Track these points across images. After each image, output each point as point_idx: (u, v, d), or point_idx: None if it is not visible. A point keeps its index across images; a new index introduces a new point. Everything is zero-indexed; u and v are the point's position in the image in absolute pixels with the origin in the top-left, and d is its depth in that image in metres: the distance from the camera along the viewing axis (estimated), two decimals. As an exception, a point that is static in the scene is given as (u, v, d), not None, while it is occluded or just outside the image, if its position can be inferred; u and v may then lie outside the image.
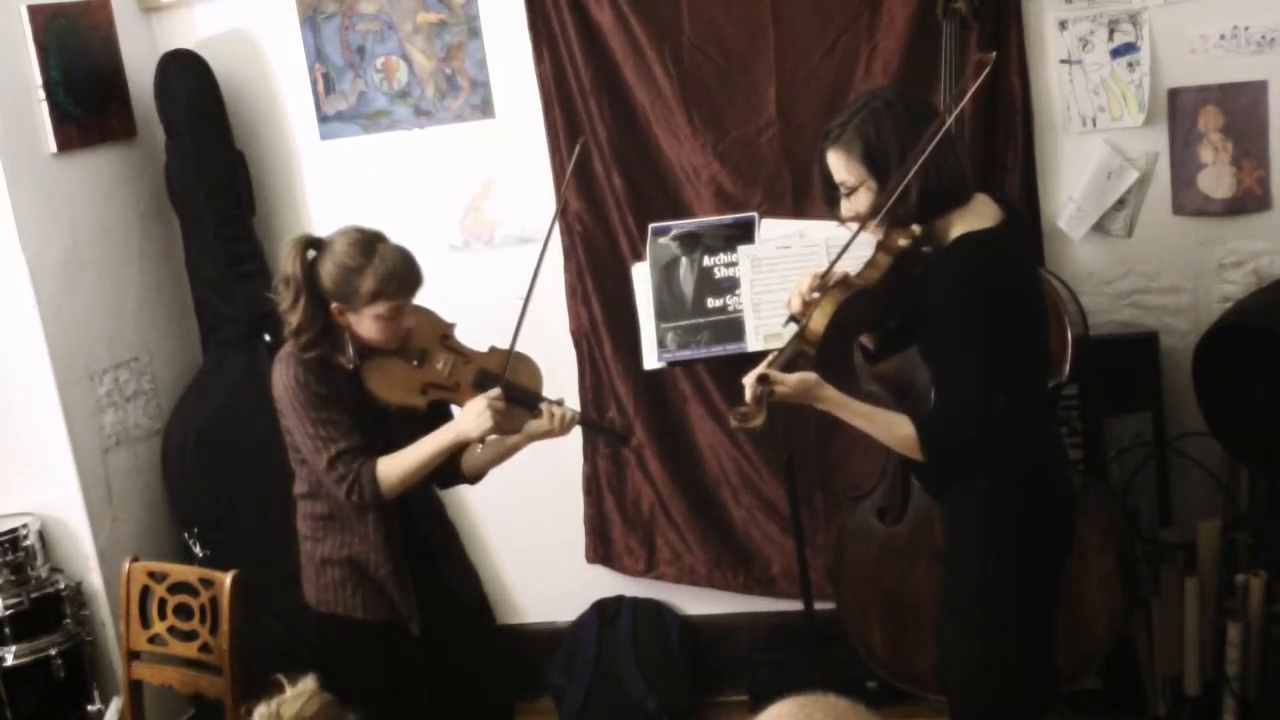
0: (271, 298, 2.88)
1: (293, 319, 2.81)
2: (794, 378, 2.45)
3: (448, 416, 3.03)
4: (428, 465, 2.84)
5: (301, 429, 2.83)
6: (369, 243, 2.80)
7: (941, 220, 2.53)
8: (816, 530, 3.89)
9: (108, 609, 3.84)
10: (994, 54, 2.61)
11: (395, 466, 2.82)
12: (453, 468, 3.03)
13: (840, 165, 2.54)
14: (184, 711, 4.09)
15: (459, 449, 2.87)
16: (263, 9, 4.11)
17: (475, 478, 3.06)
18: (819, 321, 2.47)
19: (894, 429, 2.52)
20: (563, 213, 3.95)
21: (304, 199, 4.23)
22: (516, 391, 2.92)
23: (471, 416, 2.79)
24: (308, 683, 1.95)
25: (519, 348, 3.02)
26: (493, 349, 3.00)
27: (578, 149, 3.11)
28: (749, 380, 2.43)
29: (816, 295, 2.53)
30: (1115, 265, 3.69)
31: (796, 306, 2.57)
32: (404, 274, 2.79)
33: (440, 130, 4.07)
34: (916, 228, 2.51)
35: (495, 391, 2.81)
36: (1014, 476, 2.56)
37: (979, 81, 2.52)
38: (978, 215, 2.53)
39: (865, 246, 2.64)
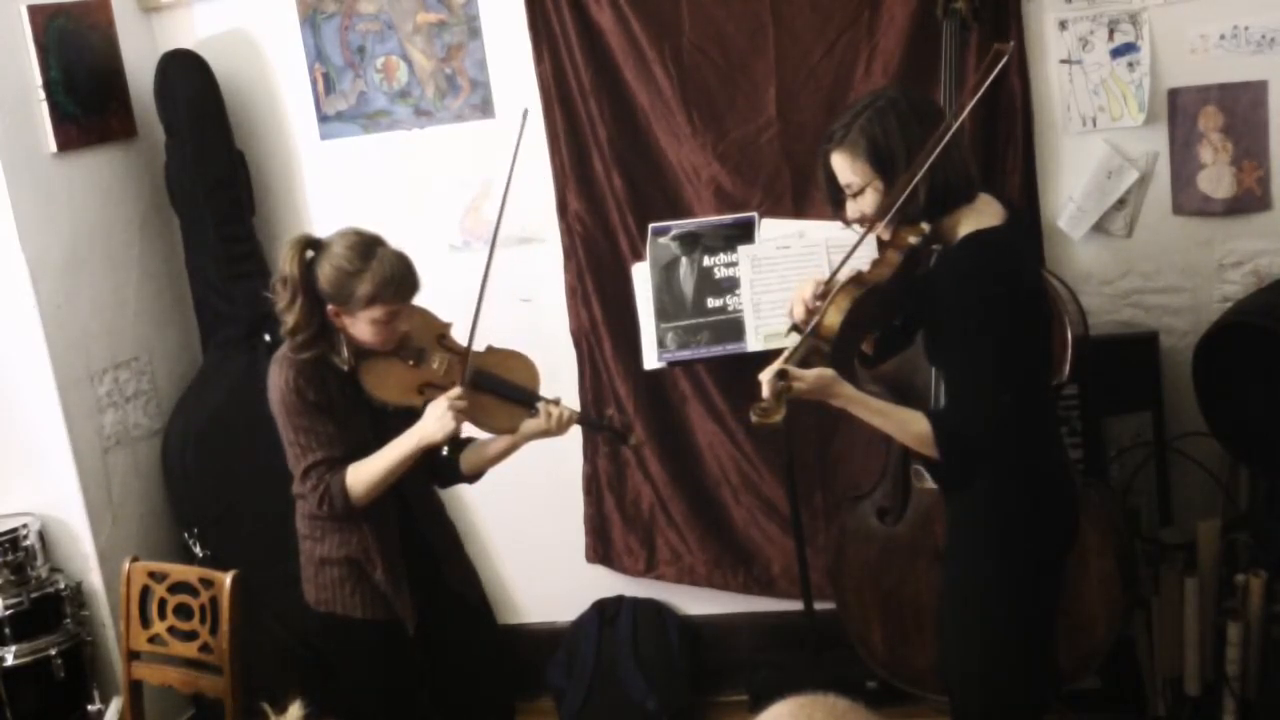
0: (269, 297, 2.88)
1: (289, 319, 2.81)
2: (812, 373, 2.44)
3: None
4: (395, 471, 2.82)
5: (285, 435, 2.84)
6: (368, 246, 2.79)
7: (949, 218, 2.53)
8: (816, 530, 3.89)
9: (108, 609, 3.84)
10: (1011, 43, 2.61)
11: (362, 474, 2.81)
12: (452, 466, 3.03)
13: (845, 167, 2.54)
14: (184, 711, 4.09)
15: (427, 452, 2.84)
16: (263, 9, 4.11)
17: (474, 476, 3.06)
18: (833, 318, 2.47)
19: (909, 425, 2.52)
20: (562, 213, 3.95)
21: (304, 199, 4.23)
22: (506, 388, 2.91)
23: (433, 419, 2.77)
24: (294, 712, 1.94)
25: (520, 347, 3.02)
26: (489, 348, 2.99)
27: (523, 120, 2.97)
28: (766, 376, 2.42)
29: (819, 303, 2.53)
30: (1115, 265, 3.69)
31: (799, 314, 2.56)
32: (401, 279, 2.78)
33: (440, 130, 4.07)
34: (925, 225, 2.51)
35: (456, 391, 2.79)
36: (1016, 475, 2.56)
37: (996, 72, 2.51)
38: (984, 214, 2.54)
39: (865, 247, 2.64)
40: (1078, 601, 3.27)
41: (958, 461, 2.53)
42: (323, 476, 2.81)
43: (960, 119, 2.48)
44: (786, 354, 2.47)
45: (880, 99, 2.55)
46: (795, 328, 2.57)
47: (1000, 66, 2.51)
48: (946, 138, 2.44)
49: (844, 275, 2.54)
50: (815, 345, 2.49)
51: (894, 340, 2.78)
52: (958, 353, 2.53)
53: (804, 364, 2.46)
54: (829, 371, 2.47)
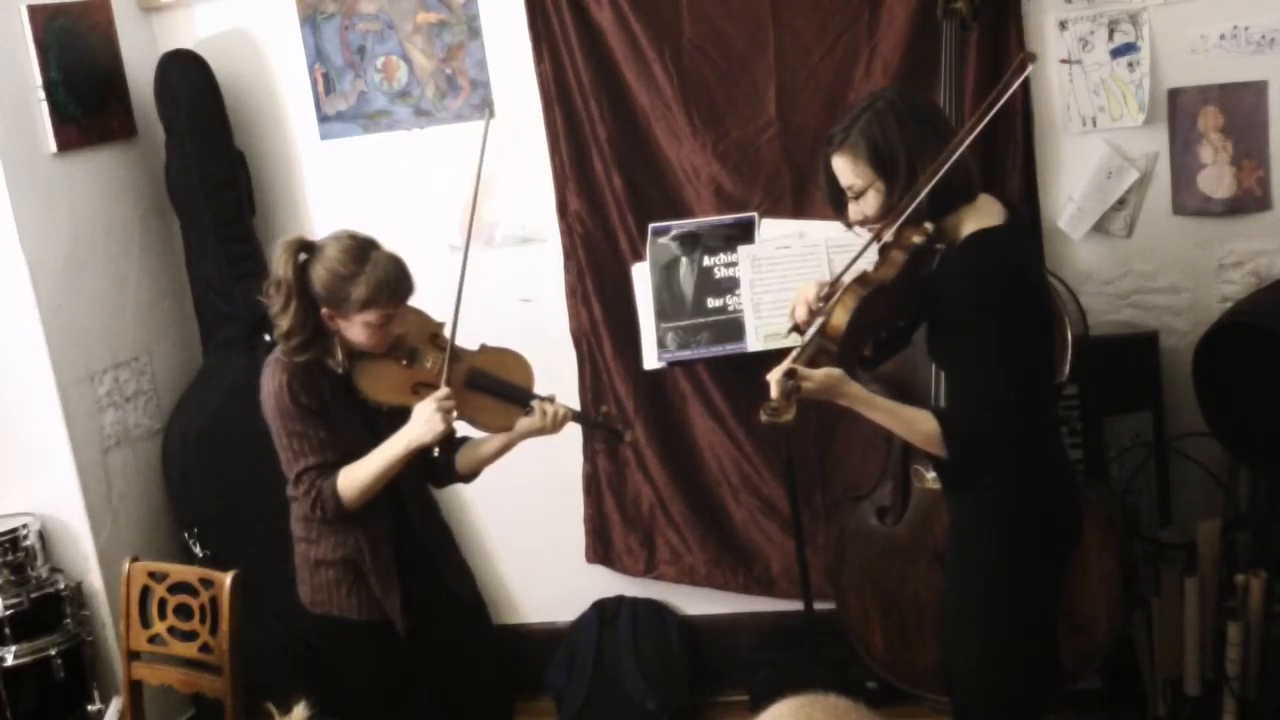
0: (263, 301, 2.87)
1: (283, 322, 2.79)
2: (820, 373, 2.44)
3: None
4: (386, 474, 2.81)
5: (278, 439, 2.83)
6: (362, 249, 2.78)
7: (951, 218, 2.54)
8: (816, 530, 3.89)
9: (108, 609, 3.84)
10: (1036, 54, 2.62)
11: (353, 478, 2.80)
12: (447, 466, 3.02)
13: (847, 169, 2.54)
14: (184, 711, 4.09)
15: (417, 455, 2.83)
16: (263, 9, 4.11)
17: (470, 476, 3.05)
18: (840, 317, 2.47)
19: (916, 425, 2.52)
20: (562, 213, 3.95)
21: (304, 199, 4.23)
22: (501, 387, 2.91)
23: (421, 421, 2.76)
24: (299, 712, 1.94)
25: (520, 347, 3.02)
26: (483, 346, 2.99)
27: (487, 120, 2.95)
28: (775, 376, 2.41)
29: (823, 304, 2.53)
30: (1115, 265, 3.69)
31: (802, 315, 2.57)
32: (396, 283, 2.77)
33: (440, 130, 4.06)
34: (929, 225, 2.51)
35: (444, 392, 2.78)
36: (1018, 475, 2.56)
37: (1020, 80, 2.51)
38: (986, 213, 2.55)
39: (863, 245, 2.64)
40: (1078, 601, 3.27)
41: (965, 459, 2.54)
42: (314, 481, 2.80)
43: (985, 121, 2.48)
44: (794, 354, 2.47)
45: (880, 100, 2.55)
46: (796, 328, 2.57)
47: (1025, 75, 2.51)
48: (966, 143, 2.44)
49: (848, 276, 2.54)
50: (822, 345, 2.49)
51: (891, 341, 2.78)
52: (963, 352, 2.53)
53: (811, 364, 2.46)
54: (837, 371, 2.47)
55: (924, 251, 2.54)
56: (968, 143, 2.46)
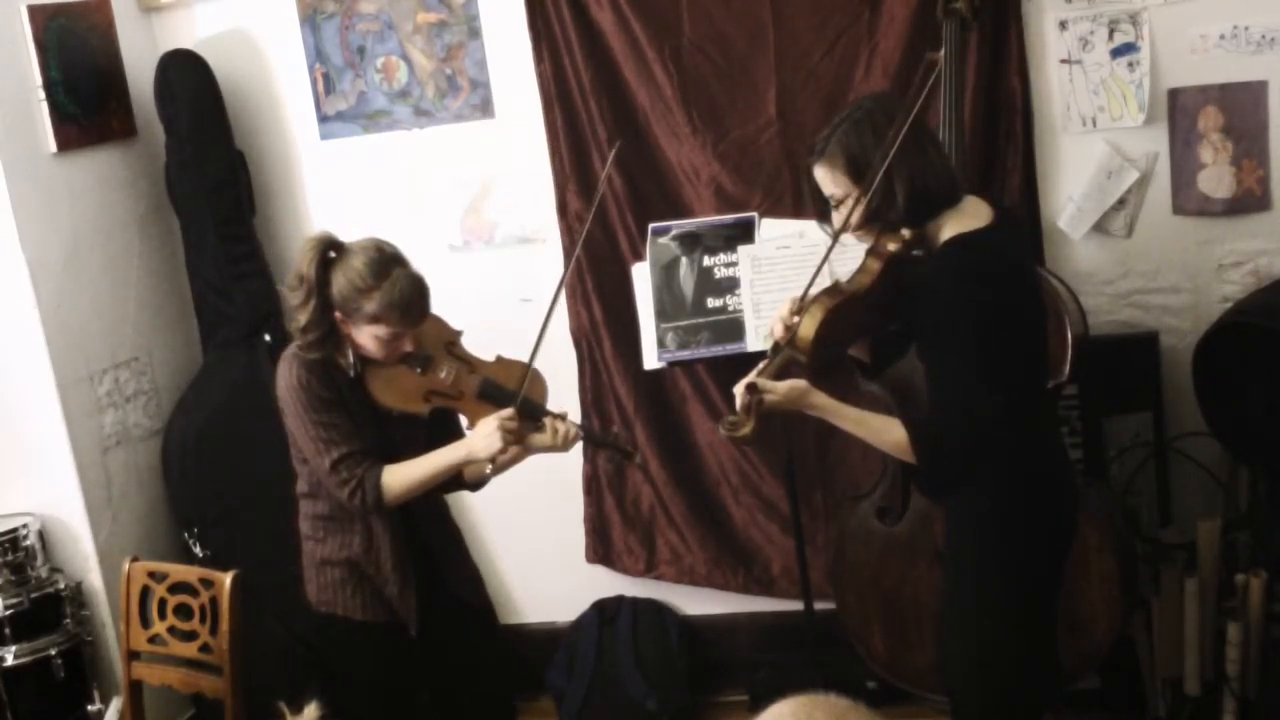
0: (283, 292, 2.88)
1: (300, 317, 2.80)
2: (783, 385, 2.45)
3: (452, 422, 3.02)
4: (434, 479, 2.84)
5: (303, 430, 2.82)
6: (385, 264, 2.77)
7: (933, 223, 2.53)
8: (816, 530, 3.89)
9: (108, 609, 3.84)
10: (941, 53, 2.61)
11: (400, 477, 2.81)
12: (454, 474, 3.02)
13: (827, 179, 2.55)
14: (184, 711, 4.09)
15: (465, 465, 2.86)
16: (263, 9, 4.11)
17: (476, 485, 3.05)
18: (808, 329, 2.48)
19: (886, 433, 2.52)
20: (562, 213, 3.96)
21: (304, 199, 4.23)
22: (529, 408, 2.90)
23: (481, 436, 2.78)
24: (310, 712, 1.93)
25: (520, 348, 3.01)
26: (499, 358, 2.98)
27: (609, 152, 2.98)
28: (738, 390, 2.43)
29: (797, 319, 2.53)
30: (1115, 265, 3.69)
31: (779, 333, 2.58)
32: (408, 305, 2.77)
33: (440, 130, 4.07)
34: (906, 232, 2.51)
35: (508, 412, 2.79)
36: (1016, 475, 2.56)
37: (929, 84, 2.48)
38: (969, 216, 2.53)
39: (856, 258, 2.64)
40: (1078, 601, 3.26)
41: (936, 468, 2.54)
42: (354, 470, 2.80)
43: (903, 131, 2.45)
44: (761, 366, 2.48)
45: (858, 110, 2.55)
46: (777, 344, 2.57)
47: (933, 79, 2.49)
48: (897, 143, 2.43)
49: (815, 289, 2.54)
50: (792, 356, 2.49)
51: (893, 347, 2.78)
52: (942, 356, 2.52)
53: (781, 375, 2.47)
54: (801, 383, 2.47)
55: (902, 259, 2.53)
56: (898, 146, 2.42)
